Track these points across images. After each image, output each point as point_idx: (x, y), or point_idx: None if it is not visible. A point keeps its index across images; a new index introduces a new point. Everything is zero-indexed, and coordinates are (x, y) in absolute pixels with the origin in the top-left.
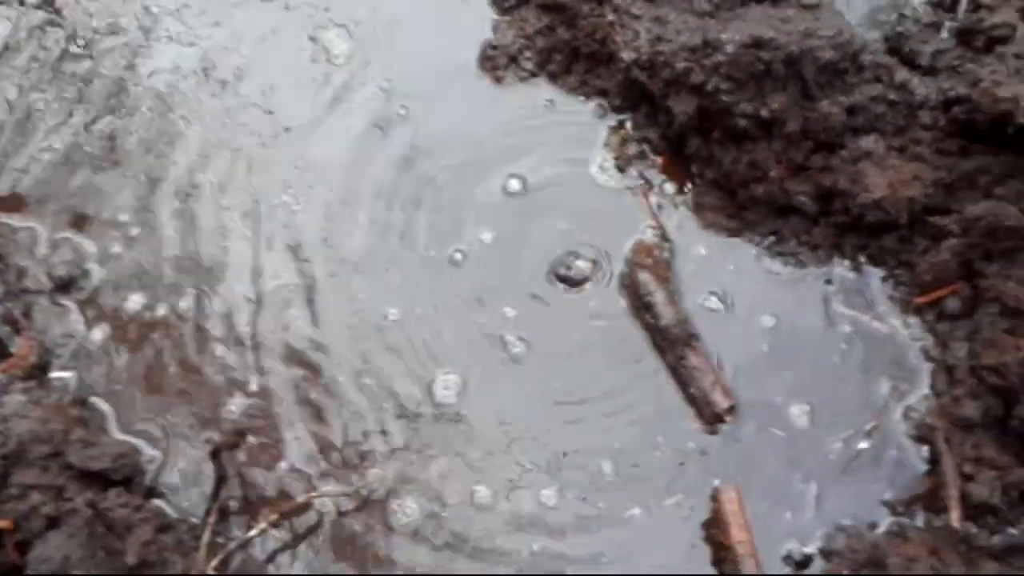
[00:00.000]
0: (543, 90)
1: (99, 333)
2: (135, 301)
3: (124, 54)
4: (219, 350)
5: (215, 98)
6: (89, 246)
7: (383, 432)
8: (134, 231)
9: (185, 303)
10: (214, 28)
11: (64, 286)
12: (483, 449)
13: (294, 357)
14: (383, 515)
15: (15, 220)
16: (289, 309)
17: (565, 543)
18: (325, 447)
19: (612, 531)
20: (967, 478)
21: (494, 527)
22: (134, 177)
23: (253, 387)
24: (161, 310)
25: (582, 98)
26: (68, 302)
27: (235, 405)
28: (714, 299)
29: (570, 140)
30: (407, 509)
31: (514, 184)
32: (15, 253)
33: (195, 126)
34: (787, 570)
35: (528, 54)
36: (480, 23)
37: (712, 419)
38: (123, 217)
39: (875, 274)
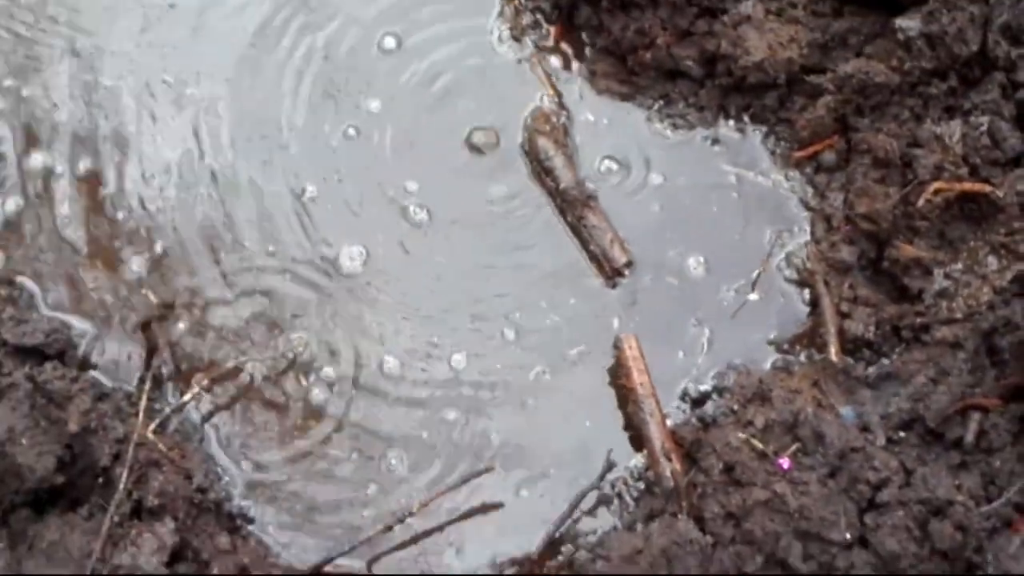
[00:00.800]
0: None
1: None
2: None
3: None
4: (130, 215)
5: None
6: None
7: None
8: (26, 92)
9: (84, 165)
10: None
11: None
12: (391, 317)
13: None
14: (308, 376)
15: None
16: (198, 187)
17: (479, 399)
18: (249, 316)
19: (522, 382)
20: (844, 316)
21: (407, 389)
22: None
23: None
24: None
25: None
26: None
27: (137, 266)
28: (609, 161)
29: (467, 10)
30: (324, 373)
31: (416, 64)
32: None
33: None
34: (685, 407)
35: None
36: None
37: (612, 274)
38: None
39: (758, 132)
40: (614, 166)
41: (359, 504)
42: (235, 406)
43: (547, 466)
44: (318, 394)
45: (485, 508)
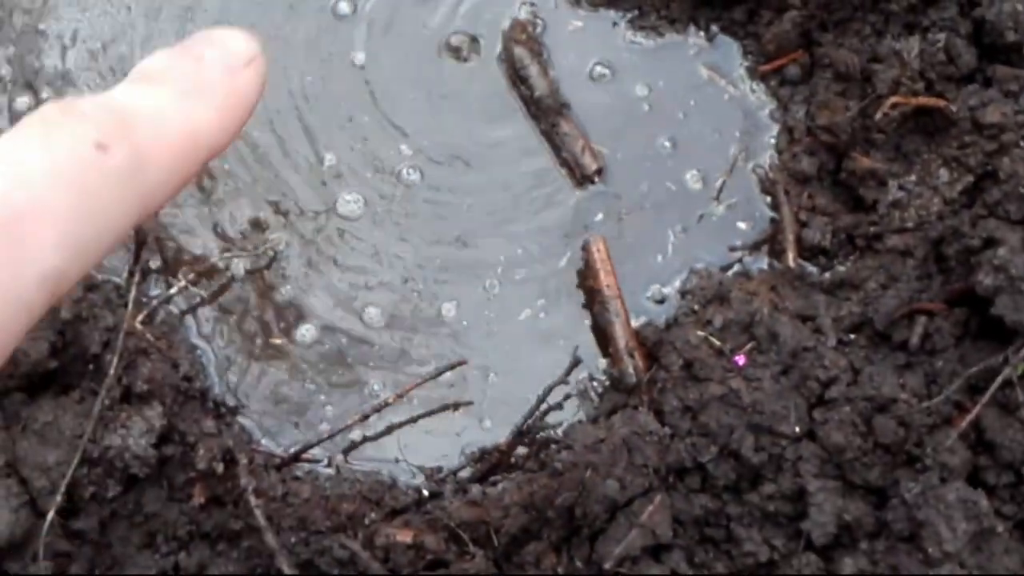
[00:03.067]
0: None
1: None
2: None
3: None
4: None
5: None
6: None
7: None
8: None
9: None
10: None
11: None
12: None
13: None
14: (284, 273)
15: None
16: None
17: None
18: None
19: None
20: (802, 224)
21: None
22: None
23: None
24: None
25: None
26: None
27: None
28: (584, 70)
29: None
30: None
31: None
32: None
33: None
34: (648, 308)
35: None
36: None
37: (582, 180)
38: None
39: (726, 44)
40: (588, 74)
41: (334, 394)
42: (218, 299)
43: (515, 360)
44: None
45: (457, 404)
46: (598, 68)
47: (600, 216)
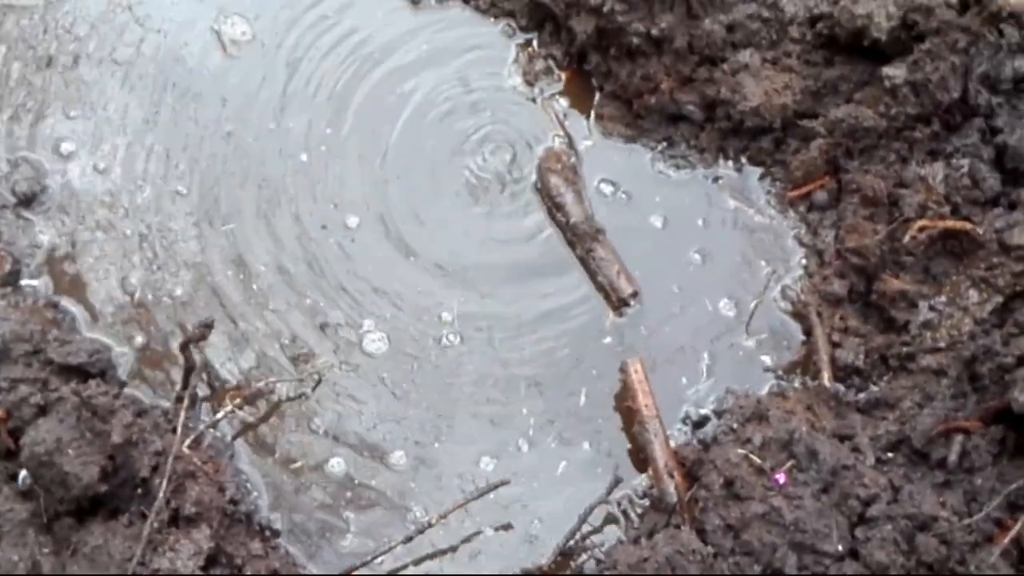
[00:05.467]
0: (455, 11)
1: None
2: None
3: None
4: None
5: None
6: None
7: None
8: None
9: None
10: None
11: (27, 200)
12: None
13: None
14: (329, 397)
15: None
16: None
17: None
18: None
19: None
20: (835, 345)
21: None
22: None
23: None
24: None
25: (491, 18)
26: (31, 215)
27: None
28: (612, 192)
29: (486, 59)
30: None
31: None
32: None
33: None
34: (687, 429)
35: None
36: None
37: (618, 304)
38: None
39: (754, 172)
40: (621, 201)
41: (379, 519)
42: (264, 425)
43: (555, 482)
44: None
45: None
46: (630, 196)
47: (637, 338)
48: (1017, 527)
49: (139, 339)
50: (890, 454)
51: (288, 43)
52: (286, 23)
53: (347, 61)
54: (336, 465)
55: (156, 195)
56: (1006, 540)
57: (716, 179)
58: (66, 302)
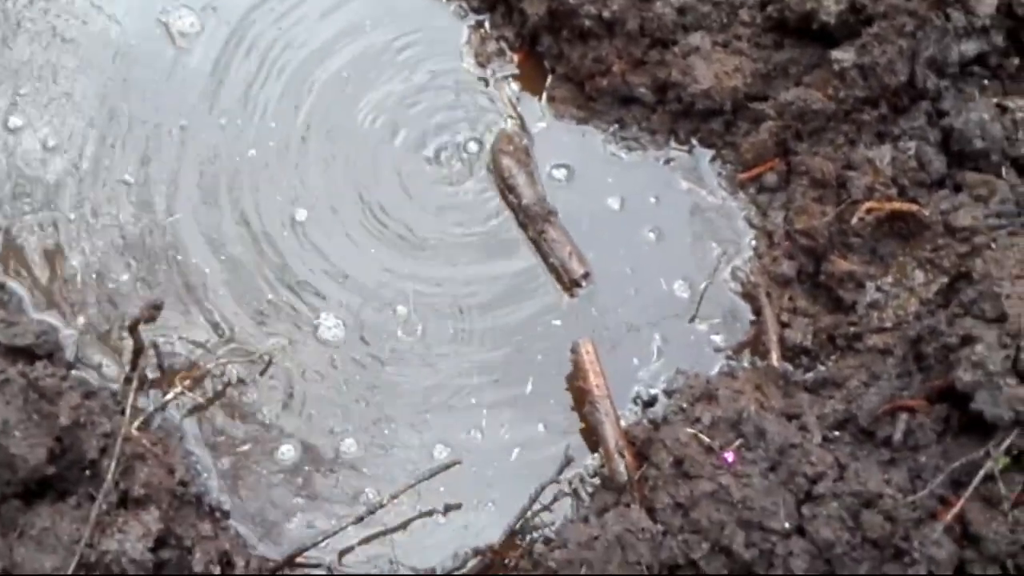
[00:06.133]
0: None
1: None
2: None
3: None
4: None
5: None
6: None
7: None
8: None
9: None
10: None
11: None
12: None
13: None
14: (281, 380)
15: None
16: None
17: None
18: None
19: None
20: (784, 325)
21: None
22: None
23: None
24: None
25: (444, 1)
26: None
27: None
28: (566, 178)
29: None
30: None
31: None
32: None
33: None
34: (637, 409)
35: None
36: None
37: (570, 284)
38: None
39: (706, 154)
40: (571, 183)
41: (330, 502)
42: (214, 407)
43: (508, 463)
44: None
45: (448, 506)
46: (581, 178)
47: (587, 318)
48: (960, 504)
49: (84, 320)
50: (836, 433)
51: (237, 34)
52: (237, 19)
53: (296, 50)
54: (286, 452)
55: (102, 182)
56: (949, 517)
57: (668, 161)
58: (12, 284)
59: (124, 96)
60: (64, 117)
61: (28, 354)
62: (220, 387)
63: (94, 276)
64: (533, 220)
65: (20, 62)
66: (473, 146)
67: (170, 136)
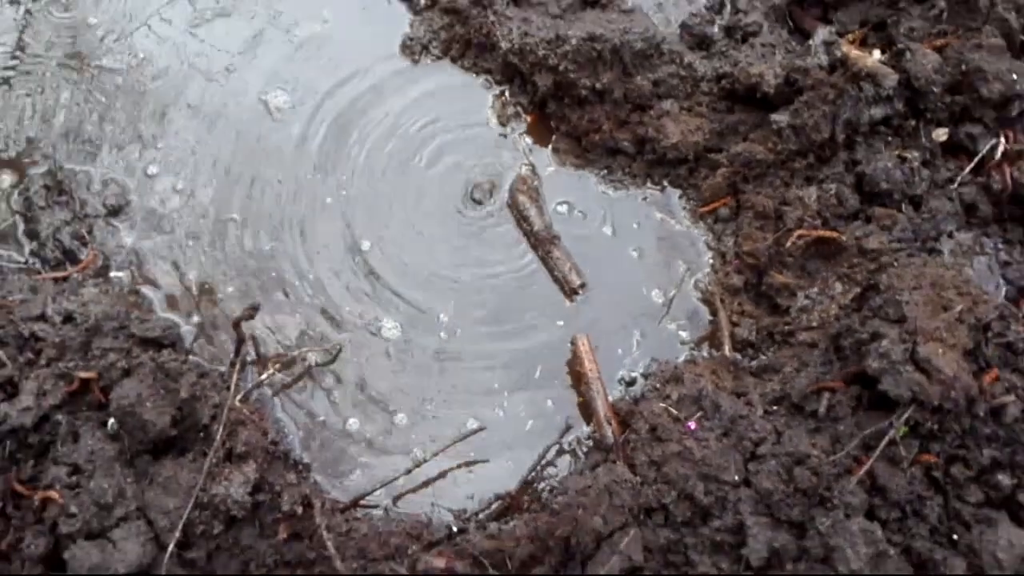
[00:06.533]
0: (445, 68)
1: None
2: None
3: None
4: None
5: None
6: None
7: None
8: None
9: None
10: None
11: (115, 211)
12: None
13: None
14: (349, 367)
15: (76, 165)
16: (291, 243)
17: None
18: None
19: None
20: (734, 324)
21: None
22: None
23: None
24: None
25: (473, 74)
26: (117, 222)
27: (233, 287)
28: (566, 210)
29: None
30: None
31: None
32: (76, 190)
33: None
34: (621, 388)
35: (435, 44)
36: (400, 20)
37: (570, 292)
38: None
39: (675, 193)
40: (571, 215)
41: (386, 458)
42: (298, 384)
43: (522, 429)
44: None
45: (476, 461)
46: (579, 210)
47: (584, 318)
48: (869, 463)
49: (199, 319)
50: (775, 407)
51: (320, 109)
52: (319, 98)
53: (363, 120)
54: (352, 422)
55: (215, 218)
56: (861, 472)
57: (645, 197)
58: (145, 289)
59: (234, 154)
60: (189, 168)
61: (157, 344)
62: (302, 370)
63: (206, 287)
64: (541, 243)
65: (160, 124)
66: (496, 186)
67: (268, 186)
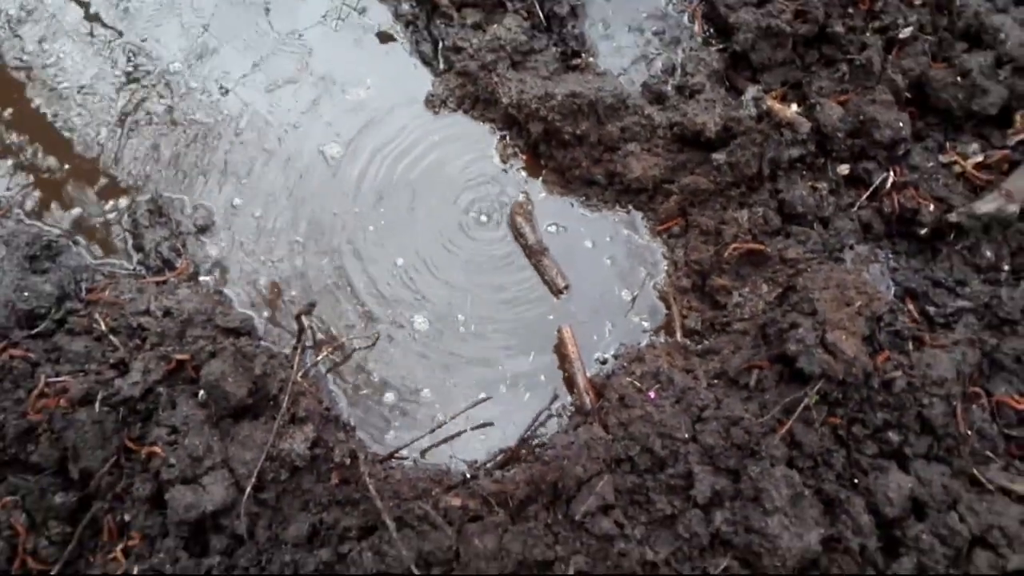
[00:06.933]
0: (459, 119)
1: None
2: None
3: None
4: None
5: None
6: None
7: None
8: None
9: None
10: None
11: (203, 229)
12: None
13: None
14: (386, 353)
15: (172, 193)
16: (342, 259)
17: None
18: (353, 316)
19: (510, 352)
20: (684, 317)
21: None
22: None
23: (310, 283)
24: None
25: (481, 122)
26: (205, 239)
27: (295, 290)
28: (555, 228)
29: (482, 149)
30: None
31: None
32: (173, 213)
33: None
34: (598, 366)
35: (451, 99)
36: (424, 81)
37: (557, 292)
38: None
39: (638, 215)
40: (557, 231)
41: (414, 421)
42: (345, 364)
43: (520, 399)
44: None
45: (486, 424)
46: (563, 228)
47: (568, 312)
48: (789, 424)
49: (269, 313)
50: (716, 381)
51: (364, 157)
52: (364, 147)
53: (401, 164)
54: (389, 396)
55: (283, 239)
56: (783, 431)
57: (615, 218)
58: (226, 290)
59: (299, 193)
60: (264, 201)
61: (236, 332)
62: (349, 354)
63: (275, 289)
64: (534, 253)
65: (241, 164)
66: (498, 209)
67: (326, 215)
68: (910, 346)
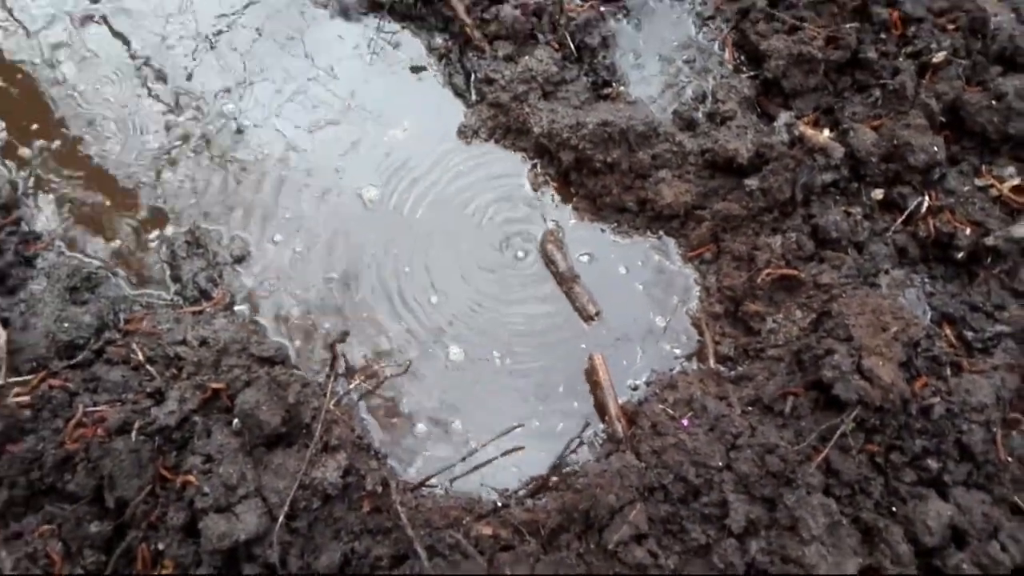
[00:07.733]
0: (490, 148)
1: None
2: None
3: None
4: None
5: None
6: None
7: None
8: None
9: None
10: None
11: (239, 260)
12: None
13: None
14: (418, 380)
15: (210, 225)
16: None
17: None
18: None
19: (545, 376)
20: (717, 343)
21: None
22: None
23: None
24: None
25: (512, 151)
26: (240, 269)
27: (329, 322)
28: (586, 257)
29: (513, 177)
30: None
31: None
32: (210, 244)
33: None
34: (630, 393)
35: (483, 130)
36: (456, 113)
37: (587, 319)
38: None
39: (671, 241)
40: (589, 259)
41: (446, 449)
42: (376, 391)
43: (551, 426)
44: (422, 393)
45: (516, 449)
46: (595, 255)
47: (599, 339)
48: (825, 452)
49: (300, 343)
50: (750, 408)
51: (399, 199)
52: (399, 190)
53: (432, 200)
54: (420, 427)
55: (317, 276)
56: (819, 459)
57: (647, 245)
58: (261, 319)
59: (338, 233)
60: (304, 238)
61: (270, 361)
62: (381, 382)
63: (309, 320)
64: (565, 280)
65: (284, 206)
66: (531, 239)
67: (363, 254)
68: (948, 372)
